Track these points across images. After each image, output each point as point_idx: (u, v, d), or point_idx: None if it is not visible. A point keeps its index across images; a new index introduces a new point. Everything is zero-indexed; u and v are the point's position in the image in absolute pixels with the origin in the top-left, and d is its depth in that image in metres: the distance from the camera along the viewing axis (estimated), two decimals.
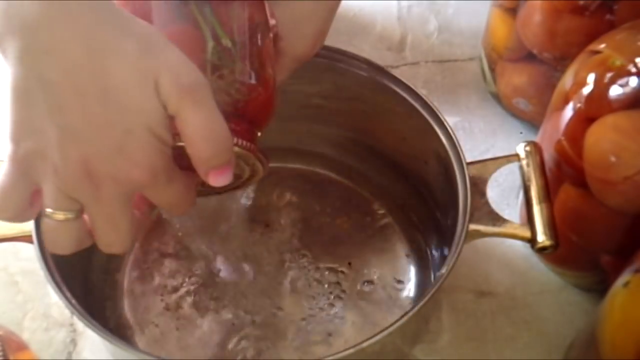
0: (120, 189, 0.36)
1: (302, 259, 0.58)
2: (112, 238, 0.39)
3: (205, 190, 0.44)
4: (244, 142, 0.40)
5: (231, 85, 0.40)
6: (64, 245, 0.39)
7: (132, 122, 0.34)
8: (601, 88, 0.49)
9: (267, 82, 0.42)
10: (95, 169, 0.35)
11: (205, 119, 0.35)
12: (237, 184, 0.46)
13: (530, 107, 0.65)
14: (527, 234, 0.47)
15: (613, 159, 0.47)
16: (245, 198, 0.62)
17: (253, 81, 0.41)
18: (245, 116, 0.41)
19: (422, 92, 0.53)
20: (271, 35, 0.43)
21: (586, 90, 0.49)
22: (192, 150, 0.36)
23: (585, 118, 0.49)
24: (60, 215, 0.37)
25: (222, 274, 0.57)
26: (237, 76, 0.40)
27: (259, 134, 0.43)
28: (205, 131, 0.35)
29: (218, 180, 0.37)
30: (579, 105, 0.50)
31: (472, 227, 0.47)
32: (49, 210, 0.37)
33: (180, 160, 0.38)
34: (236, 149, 0.39)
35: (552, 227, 0.47)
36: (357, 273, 0.57)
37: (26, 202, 0.37)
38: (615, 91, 0.48)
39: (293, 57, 0.44)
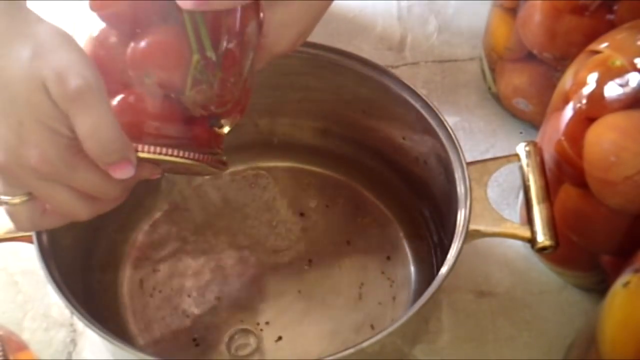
0: (34, 176, 0.39)
1: (302, 258, 0.58)
2: (67, 213, 0.42)
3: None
4: (197, 155, 0.42)
5: (209, 100, 0.41)
6: (25, 225, 0.42)
7: (22, 115, 0.37)
8: (601, 88, 0.49)
9: (246, 94, 0.43)
10: (6, 160, 0.38)
11: (93, 123, 0.37)
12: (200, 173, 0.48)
13: (530, 107, 0.65)
14: (527, 234, 0.47)
15: (613, 159, 0.47)
16: (245, 194, 0.62)
17: (231, 96, 0.42)
18: (215, 119, 0.43)
19: (422, 92, 0.53)
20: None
21: (586, 90, 0.49)
22: (85, 148, 0.38)
23: (585, 118, 0.49)
24: (16, 200, 0.40)
25: (223, 272, 0.57)
26: (216, 92, 0.41)
27: (228, 129, 0.44)
28: (93, 133, 0.37)
29: (117, 174, 0.39)
30: (579, 105, 0.50)
31: (472, 227, 0.47)
32: (3, 197, 0.41)
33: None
34: (189, 161, 0.41)
35: (552, 227, 0.47)
36: (357, 272, 0.57)
37: None
38: (615, 91, 0.48)
39: (272, 53, 0.45)
